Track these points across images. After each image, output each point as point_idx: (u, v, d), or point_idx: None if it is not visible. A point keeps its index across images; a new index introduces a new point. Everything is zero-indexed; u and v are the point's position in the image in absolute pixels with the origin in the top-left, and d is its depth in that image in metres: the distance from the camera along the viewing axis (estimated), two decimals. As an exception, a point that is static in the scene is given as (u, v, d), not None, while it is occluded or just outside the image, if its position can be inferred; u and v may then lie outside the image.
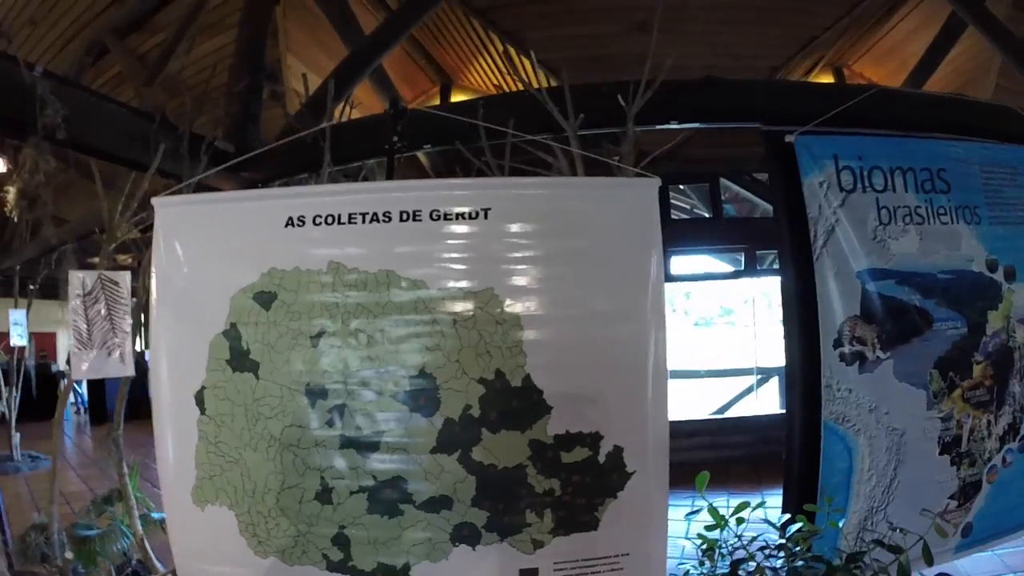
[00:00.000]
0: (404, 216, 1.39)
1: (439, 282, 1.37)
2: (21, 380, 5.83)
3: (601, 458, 1.39)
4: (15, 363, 5.76)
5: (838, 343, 2.08)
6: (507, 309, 1.36)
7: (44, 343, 8.56)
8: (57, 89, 2.03)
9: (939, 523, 1.79)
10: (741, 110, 2.34)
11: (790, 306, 2.24)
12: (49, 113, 1.97)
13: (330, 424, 1.40)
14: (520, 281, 1.37)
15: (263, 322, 1.45)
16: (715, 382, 7.33)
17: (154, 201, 1.58)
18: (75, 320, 2.15)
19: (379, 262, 1.39)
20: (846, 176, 2.12)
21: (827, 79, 4.75)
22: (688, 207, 7.08)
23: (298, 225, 1.45)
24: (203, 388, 1.50)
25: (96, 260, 2.16)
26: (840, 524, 2.00)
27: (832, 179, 2.11)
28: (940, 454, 2.13)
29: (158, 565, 2.26)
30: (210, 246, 1.53)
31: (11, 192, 2.35)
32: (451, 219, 1.37)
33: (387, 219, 1.40)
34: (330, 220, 1.43)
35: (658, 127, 2.27)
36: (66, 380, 7.47)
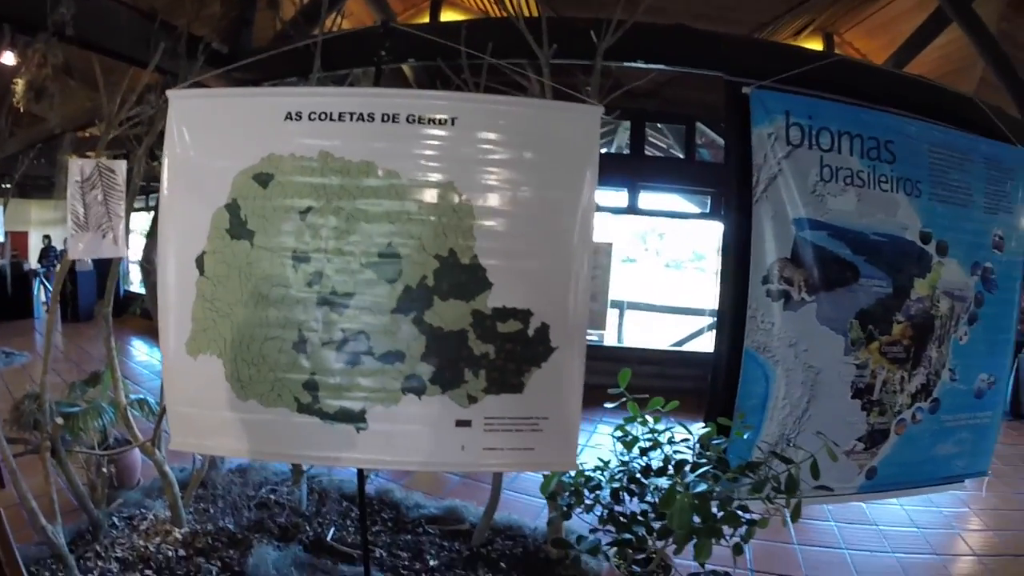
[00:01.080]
0: (385, 118, 1.84)
1: (409, 173, 1.82)
2: None
3: (530, 332, 1.86)
4: None
5: (767, 280, 2.51)
6: (463, 200, 1.81)
7: (17, 242, 9.02)
8: None
9: (830, 446, 2.27)
10: (705, 59, 2.77)
11: (728, 243, 2.59)
12: (60, 11, 2.36)
13: (309, 285, 1.86)
14: (476, 178, 1.82)
15: (260, 198, 1.89)
16: (675, 319, 8.01)
17: (169, 93, 2.01)
18: (73, 204, 2.58)
19: (361, 153, 1.84)
20: (794, 132, 2.53)
21: (816, 44, 5.14)
22: (665, 146, 7.54)
23: (295, 119, 1.89)
24: (203, 253, 1.95)
25: (90, 155, 2.58)
26: (745, 436, 2.52)
27: (781, 132, 2.52)
28: (852, 398, 2.52)
29: (139, 436, 2.74)
30: (218, 133, 1.96)
31: (20, 83, 2.75)
32: (424, 123, 1.82)
33: (370, 119, 1.84)
34: (323, 116, 1.87)
35: (626, 64, 2.69)
36: (39, 278, 7.89)
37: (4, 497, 2.91)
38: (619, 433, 2.32)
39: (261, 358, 1.90)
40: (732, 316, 2.54)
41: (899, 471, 2.73)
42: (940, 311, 2.73)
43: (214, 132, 1.92)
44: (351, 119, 1.80)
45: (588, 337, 2.00)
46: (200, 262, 1.93)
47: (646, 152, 6.64)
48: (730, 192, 2.75)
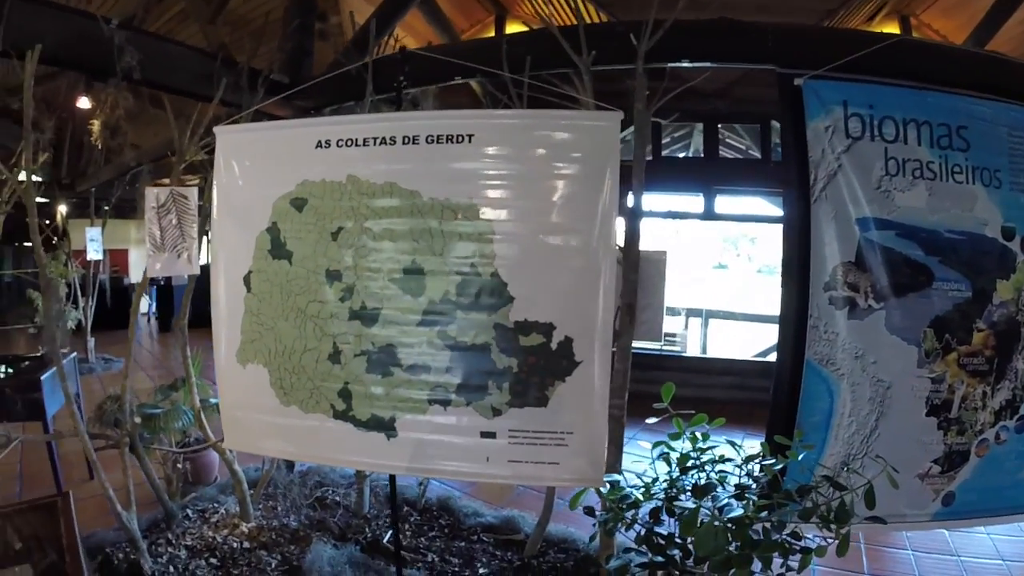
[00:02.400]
0: (406, 140, 2.01)
1: (430, 192, 1.97)
2: (96, 292, 7.21)
3: (553, 345, 1.98)
4: (91, 276, 7.09)
5: (829, 286, 2.42)
6: (483, 217, 1.95)
7: (117, 259, 9.91)
8: (131, 38, 2.82)
9: (890, 473, 2.19)
10: (754, 52, 2.72)
11: (789, 246, 2.57)
12: (126, 59, 2.77)
13: (342, 300, 2.08)
14: (495, 195, 1.94)
15: (296, 221, 2.14)
16: (761, 328, 7.62)
17: (216, 129, 2.32)
18: (150, 227, 3.02)
19: (385, 175, 2.02)
20: (854, 123, 2.41)
21: (892, 28, 4.78)
22: (743, 147, 7.21)
23: (325, 147, 2.12)
24: (250, 272, 2.24)
25: (166, 181, 3.00)
26: (801, 456, 2.47)
27: (839, 124, 2.41)
28: (927, 415, 2.35)
29: (212, 437, 3.15)
30: (258, 163, 2.24)
31: (96, 124, 3.24)
32: (443, 142, 1.98)
33: (392, 143, 2.02)
34: (349, 143, 2.08)
35: (671, 65, 2.71)
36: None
37: (90, 488, 3.43)
38: (660, 449, 2.38)
39: (301, 368, 2.14)
40: (793, 326, 2.47)
41: (980, 497, 2.51)
42: (1028, 316, 2.53)
43: (256, 162, 2.18)
44: (375, 143, 2.00)
45: (671, 347, 2.08)
46: (247, 280, 2.20)
47: (721, 154, 6.45)
48: (787, 192, 2.68)
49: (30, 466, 3.83)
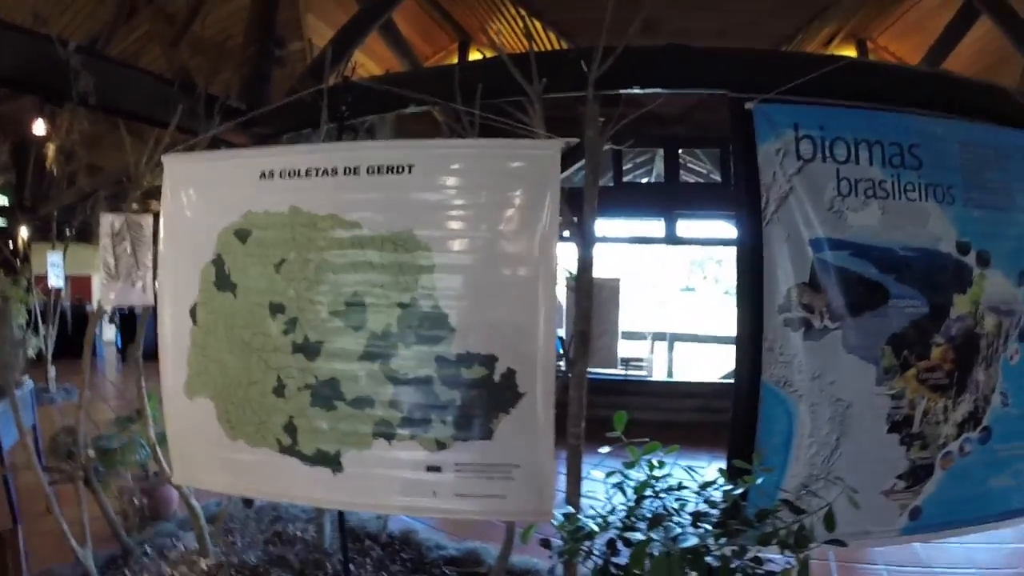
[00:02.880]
0: (347, 171, 2.03)
1: (371, 224, 1.97)
2: (58, 319, 6.97)
3: (496, 377, 1.98)
4: (52, 303, 6.88)
5: (783, 308, 2.45)
6: (423, 248, 1.97)
7: (80, 286, 9.76)
8: (88, 62, 2.85)
9: (850, 495, 2.18)
10: (705, 77, 2.78)
11: (742, 268, 2.43)
12: (82, 83, 2.81)
13: (285, 333, 2.08)
14: (436, 224, 1.93)
15: (240, 253, 2.15)
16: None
17: (164, 158, 2.34)
18: (104, 256, 3.03)
19: (327, 206, 2.04)
20: (805, 145, 2.45)
21: (849, 52, 4.88)
22: (705, 171, 7.31)
23: (269, 177, 2.14)
24: (196, 304, 2.24)
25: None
26: (760, 480, 2.49)
27: (790, 147, 2.45)
28: (889, 432, 2.37)
29: (169, 471, 3.14)
30: (204, 193, 2.26)
31: (51, 149, 3.27)
32: (382, 173, 2.02)
33: (333, 173, 2.04)
34: (292, 174, 2.10)
35: (621, 91, 2.76)
36: (104, 318, 8.92)
37: (50, 521, 3.40)
38: (616, 478, 2.39)
39: (246, 401, 2.15)
40: (748, 349, 2.51)
41: (947, 509, 2.54)
42: (985, 329, 2.51)
43: (202, 192, 2.21)
44: (316, 174, 2.02)
45: (637, 372, 2.11)
46: (193, 313, 2.21)
47: (682, 179, 6.58)
48: (740, 215, 2.72)
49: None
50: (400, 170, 1.91)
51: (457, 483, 1.95)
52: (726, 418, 5.65)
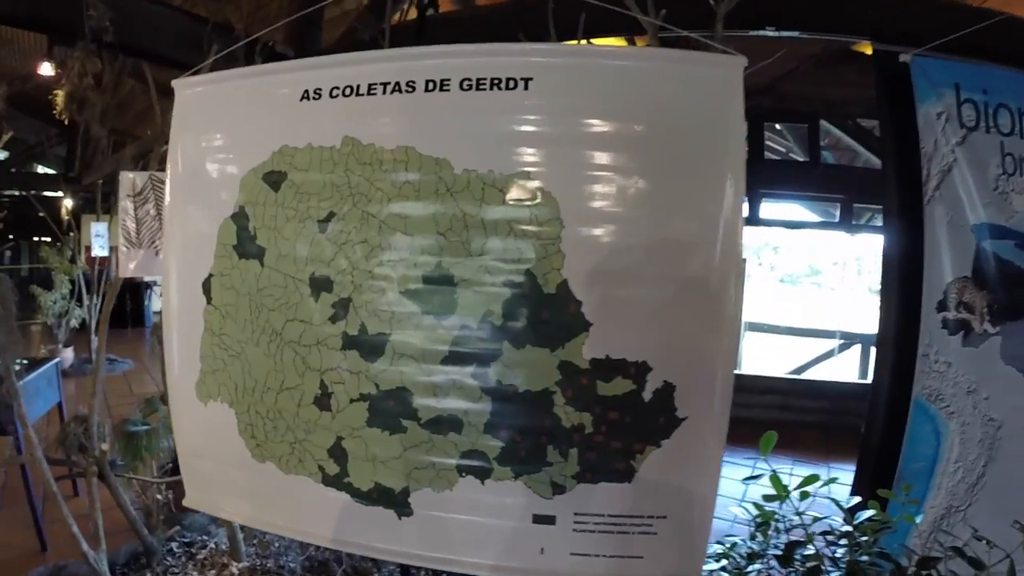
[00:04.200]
0: (430, 85, 1.06)
1: (465, 162, 1.04)
2: (102, 289, 5.66)
3: (646, 395, 1.03)
4: (96, 273, 5.67)
5: (943, 306, 1.60)
6: (543, 199, 1.01)
7: None
8: None
9: None
10: (850, 22, 1.81)
11: (892, 257, 1.74)
12: (93, 15, 1.80)
13: (333, 320, 1.13)
14: (565, 166, 1.02)
15: (271, 204, 1.18)
16: (794, 341, 6.22)
17: (174, 83, 1.34)
18: (124, 220, 2.00)
19: (398, 137, 1.08)
20: (968, 110, 1.64)
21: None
22: (783, 150, 6.06)
23: (314, 98, 1.16)
24: (210, 276, 1.27)
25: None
26: (917, 520, 1.54)
27: (952, 111, 1.63)
28: None
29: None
30: (226, 126, 1.28)
31: (60, 95, 2.23)
32: (484, 88, 1.03)
33: (410, 89, 1.07)
34: (348, 92, 1.12)
35: (751, 33, 1.79)
36: (151, 289, 7.62)
37: (74, 505, 2.38)
38: (758, 517, 1.39)
39: (277, 412, 1.17)
40: (895, 355, 1.57)
41: None
42: None
43: (222, 124, 1.24)
44: (384, 91, 1.05)
45: None
46: (207, 287, 1.24)
47: (764, 156, 5.15)
48: (891, 191, 1.75)
49: (15, 478, 2.74)
50: (512, 84, 0.91)
51: (575, 540, 1.01)
52: (805, 418, 4.56)
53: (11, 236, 8.59)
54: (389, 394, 1.12)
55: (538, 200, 1.02)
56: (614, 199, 1.03)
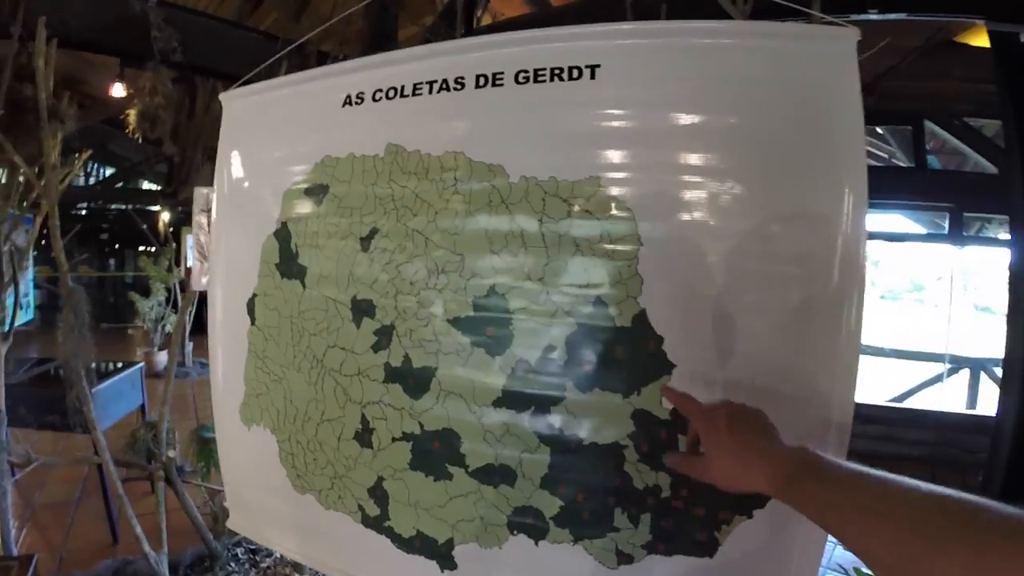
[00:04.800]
0: (481, 81, 0.92)
1: (522, 168, 0.88)
2: (197, 296, 6.28)
3: (743, 453, 0.82)
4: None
5: None
6: (618, 210, 0.83)
7: None
8: (172, 16, 1.91)
9: None
10: (963, 1, 1.48)
11: (1017, 269, 1.41)
12: (159, 37, 1.85)
13: (375, 349, 1.01)
14: (641, 171, 0.83)
15: (312, 219, 1.09)
16: (897, 364, 5.44)
17: (222, 97, 1.30)
18: (197, 234, 2.04)
19: (446, 142, 0.94)
20: None
21: None
22: (885, 155, 5.37)
23: (356, 103, 1.05)
24: (254, 296, 1.21)
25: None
26: None
27: None
28: None
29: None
30: (270, 137, 1.21)
31: (132, 114, 2.33)
32: (543, 80, 0.87)
33: (459, 86, 0.93)
34: (391, 94, 1.01)
35: (852, 17, 1.51)
36: None
37: (149, 503, 2.49)
38: None
39: (318, 444, 1.08)
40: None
41: None
42: None
43: (267, 135, 1.17)
44: (431, 90, 0.91)
45: None
46: (251, 307, 1.17)
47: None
48: (1017, 197, 1.41)
49: (96, 473, 2.93)
50: (575, 74, 0.73)
51: None
52: (911, 451, 4.05)
53: (116, 246, 9.61)
54: (434, 435, 0.97)
55: (611, 212, 0.84)
56: (704, 210, 0.82)
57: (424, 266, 0.96)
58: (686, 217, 0.83)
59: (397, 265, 0.99)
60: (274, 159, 1.21)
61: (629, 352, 0.83)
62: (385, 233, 1.01)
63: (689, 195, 0.83)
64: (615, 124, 0.87)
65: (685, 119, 0.85)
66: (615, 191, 0.85)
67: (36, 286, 6.23)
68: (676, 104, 0.85)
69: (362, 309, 1.04)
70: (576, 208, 0.85)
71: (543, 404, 0.88)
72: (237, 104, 1.30)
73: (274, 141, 1.22)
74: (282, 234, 1.17)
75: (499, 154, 0.91)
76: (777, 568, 0.86)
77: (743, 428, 0.65)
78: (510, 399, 0.90)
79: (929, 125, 4.21)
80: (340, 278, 1.07)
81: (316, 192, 1.11)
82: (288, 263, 1.15)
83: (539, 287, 0.87)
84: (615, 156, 0.86)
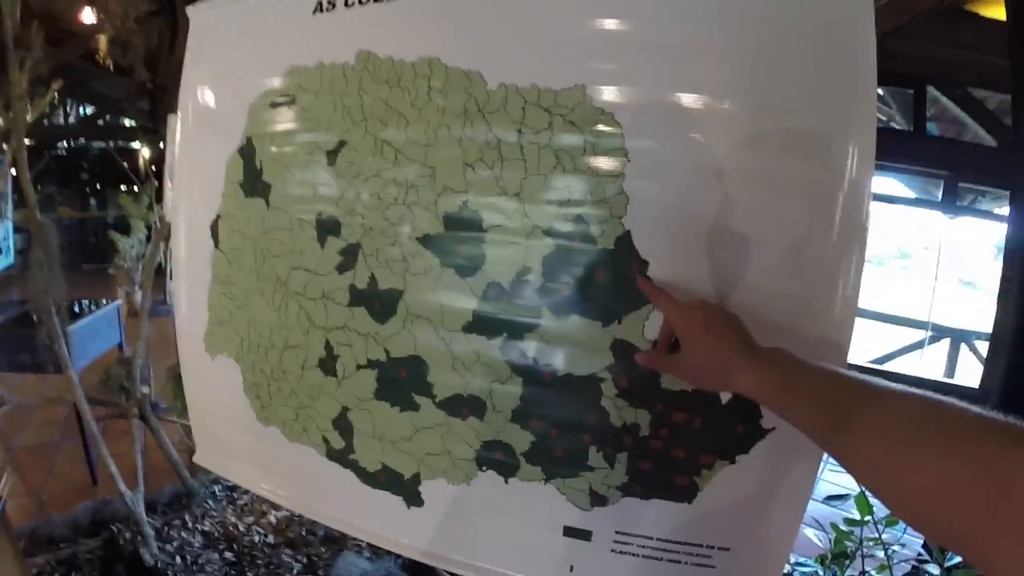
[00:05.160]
0: (463, -25, 0.82)
1: (501, 74, 0.79)
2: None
3: (724, 394, 0.77)
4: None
5: None
6: (604, 123, 0.75)
7: None
8: None
9: None
10: None
11: (1018, 245, 1.36)
12: None
13: (340, 270, 0.94)
14: (632, 80, 0.75)
15: (278, 134, 1.00)
16: (878, 327, 5.40)
17: (189, 10, 1.18)
18: (170, 161, 1.93)
19: (420, 47, 0.85)
20: None
21: None
22: (884, 117, 5.23)
23: (328, 9, 0.95)
24: (218, 217, 1.13)
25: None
26: None
27: None
28: None
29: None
30: (237, 50, 1.11)
31: (102, 40, 2.17)
32: (531, -29, 0.77)
33: (438, -19, 0.84)
34: (365, -5, 0.91)
35: None
36: None
37: (125, 445, 2.47)
38: (834, 542, 1.13)
39: (281, 373, 1.03)
40: (1014, 357, 1.23)
41: None
42: None
43: (234, 49, 1.08)
44: (407, -14, 0.79)
45: None
46: (215, 229, 1.08)
47: None
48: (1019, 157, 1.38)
49: (74, 413, 2.90)
50: None
51: (613, 562, 0.82)
52: None
53: (97, 185, 9.32)
54: (400, 363, 0.91)
55: (597, 125, 0.76)
56: (700, 128, 0.75)
57: (394, 180, 0.88)
58: (679, 135, 0.75)
59: (365, 179, 0.91)
60: (240, 72, 1.10)
61: (611, 277, 0.76)
62: (353, 146, 0.92)
63: (684, 111, 0.75)
64: (606, 28, 0.78)
65: (684, 27, 0.76)
66: (603, 102, 0.77)
67: (16, 229, 6.04)
68: (675, 10, 0.76)
69: (327, 227, 0.96)
70: (559, 118, 0.77)
71: (516, 331, 0.82)
72: (204, 17, 1.18)
73: (241, 54, 1.11)
74: (246, 151, 1.08)
75: (477, 59, 0.81)
76: (757, 519, 0.82)
77: (721, 326, 0.62)
78: (481, 324, 0.84)
79: (932, 92, 4.09)
80: (304, 195, 0.98)
81: (282, 104, 1.02)
82: (252, 181, 1.07)
83: (515, 203, 0.79)
84: (605, 64, 0.77)
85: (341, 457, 1.05)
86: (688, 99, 0.76)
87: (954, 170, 3.86)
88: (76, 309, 2.93)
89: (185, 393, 1.31)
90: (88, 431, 2.46)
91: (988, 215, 4.59)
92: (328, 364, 1.00)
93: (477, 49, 0.83)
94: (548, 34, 0.80)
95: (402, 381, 0.93)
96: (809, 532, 1.34)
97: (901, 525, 1.21)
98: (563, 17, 0.80)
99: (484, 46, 0.83)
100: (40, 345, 2.30)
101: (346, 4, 0.96)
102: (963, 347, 4.81)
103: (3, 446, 3.05)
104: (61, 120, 8.43)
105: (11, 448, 3.03)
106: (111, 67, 2.37)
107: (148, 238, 5.61)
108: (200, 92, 1.19)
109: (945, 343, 4.86)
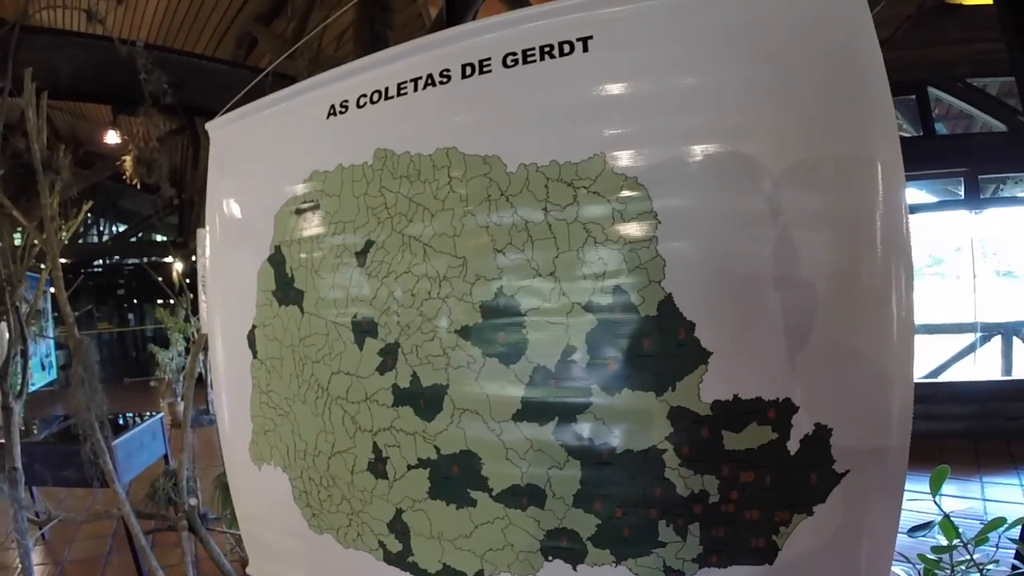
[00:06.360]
0: (468, 70, 0.85)
1: (520, 155, 0.81)
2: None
3: (791, 445, 0.72)
4: None
5: None
6: (628, 187, 0.75)
7: None
8: (161, 59, 1.91)
9: None
10: None
11: None
12: (148, 80, 1.84)
13: (381, 371, 0.93)
14: (649, 142, 0.75)
15: (306, 239, 1.03)
16: (926, 339, 5.19)
17: (207, 126, 1.25)
18: (202, 276, 2.00)
19: (437, 140, 0.88)
20: None
21: None
22: None
23: (341, 112, 1.00)
24: (254, 328, 1.14)
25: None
26: None
27: None
28: None
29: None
30: (257, 160, 1.16)
31: (128, 160, 2.32)
32: (532, 60, 0.80)
33: (445, 79, 0.87)
34: (376, 97, 0.95)
35: None
36: None
37: (179, 555, 2.41)
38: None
39: (331, 479, 0.99)
40: None
41: None
42: None
43: (255, 160, 1.13)
44: (416, 87, 0.85)
45: None
46: (252, 340, 1.09)
47: None
48: None
49: (123, 526, 2.87)
50: (567, 48, 0.65)
51: None
52: (950, 426, 3.90)
53: (134, 300, 9.75)
54: (452, 459, 0.88)
55: (621, 190, 0.76)
56: (722, 176, 0.74)
57: (425, 274, 0.89)
58: (705, 187, 0.74)
59: (396, 277, 0.91)
60: (262, 182, 1.16)
61: (658, 344, 0.74)
62: (381, 244, 0.94)
63: (706, 162, 0.75)
64: (616, 94, 0.79)
65: (692, 80, 0.77)
66: (623, 166, 0.77)
67: (58, 346, 6.27)
68: (681, 66, 0.77)
69: (363, 329, 0.96)
70: (582, 191, 0.78)
71: (568, 413, 0.78)
72: (223, 132, 1.25)
73: (261, 164, 1.17)
74: (276, 259, 1.11)
75: (494, 144, 0.84)
76: (846, 567, 0.75)
77: None
78: (531, 411, 0.81)
79: (933, 91, 4.11)
80: (338, 298, 0.99)
81: (306, 210, 1.05)
82: (284, 289, 1.09)
83: (551, 283, 0.78)
84: (619, 129, 0.79)
85: (399, 560, 1.00)
86: (708, 149, 0.76)
87: (971, 164, 3.81)
88: (120, 422, 2.98)
89: (234, 503, 1.28)
90: (137, 544, 2.42)
91: (1014, 201, 4.48)
92: (378, 467, 0.97)
93: (492, 133, 0.86)
94: (559, 109, 0.82)
95: (456, 477, 0.89)
96: (897, 569, 1.21)
97: (992, 542, 1.09)
98: (571, 91, 0.82)
99: (499, 129, 0.85)
100: (85, 460, 2.32)
101: (358, 105, 1.00)
102: (1015, 340, 4.55)
103: (52, 560, 3.01)
104: (95, 238, 8.96)
105: (60, 562, 2.99)
106: (138, 185, 2.53)
107: (187, 350, 5.76)
108: (225, 205, 1.24)
109: (996, 341, 4.62)
